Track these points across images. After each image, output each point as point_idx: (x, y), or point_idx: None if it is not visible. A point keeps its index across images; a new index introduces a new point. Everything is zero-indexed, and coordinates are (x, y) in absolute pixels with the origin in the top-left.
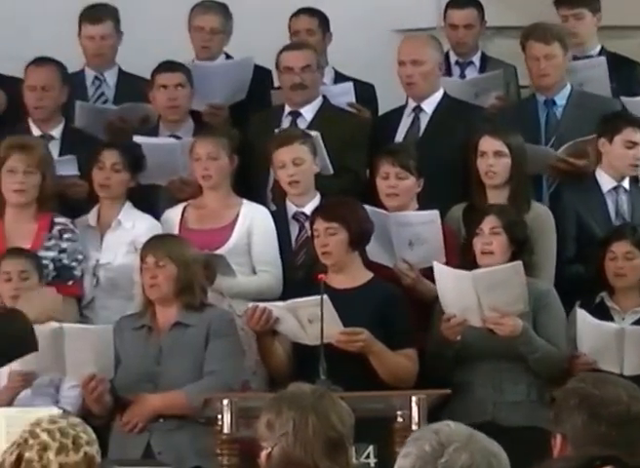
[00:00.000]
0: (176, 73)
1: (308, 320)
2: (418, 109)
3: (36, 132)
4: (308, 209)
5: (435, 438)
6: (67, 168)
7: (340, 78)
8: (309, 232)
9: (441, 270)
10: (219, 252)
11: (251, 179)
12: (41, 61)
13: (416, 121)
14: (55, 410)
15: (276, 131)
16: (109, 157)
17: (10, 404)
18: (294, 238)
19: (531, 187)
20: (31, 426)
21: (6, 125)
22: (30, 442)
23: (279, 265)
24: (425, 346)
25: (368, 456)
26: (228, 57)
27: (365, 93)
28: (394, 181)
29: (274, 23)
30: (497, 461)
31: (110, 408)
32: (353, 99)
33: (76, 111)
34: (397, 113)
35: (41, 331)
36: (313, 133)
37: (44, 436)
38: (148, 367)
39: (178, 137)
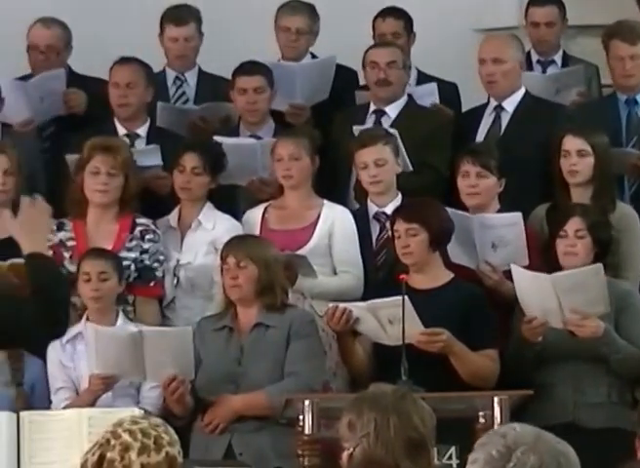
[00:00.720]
0: (255, 77)
1: (388, 320)
2: (499, 108)
3: (122, 131)
4: (389, 209)
5: (502, 442)
6: (151, 158)
7: (422, 78)
8: (390, 232)
9: (519, 273)
10: (300, 252)
11: (333, 178)
12: (125, 60)
13: (497, 120)
14: (136, 411)
15: (355, 128)
16: (189, 160)
17: (92, 405)
18: (374, 238)
19: (615, 187)
20: (113, 427)
21: (88, 126)
22: (112, 442)
23: (360, 266)
24: (506, 347)
25: (450, 458)
26: (314, 57)
27: (448, 92)
28: (474, 180)
29: (362, 23)
30: (565, 460)
31: (191, 408)
32: (437, 100)
33: (157, 111)
34: (478, 112)
35: (120, 335)
36: (391, 130)
37: (126, 436)
38: (229, 367)
39: (258, 138)
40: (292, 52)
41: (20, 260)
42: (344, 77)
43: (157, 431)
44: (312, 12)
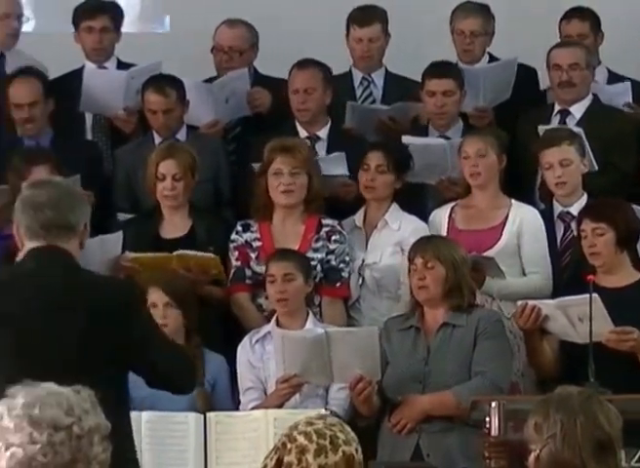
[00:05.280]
0: (445, 80)
1: (579, 318)
2: None
3: (303, 133)
4: (574, 209)
5: None
6: (337, 167)
7: (613, 77)
8: (575, 232)
9: None
10: (489, 253)
11: (518, 178)
12: (304, 64)
13: None
14: (323, 412)
15: (540, 127)
16: (374, 158)
17: (280, 407)
18: (559, 238)
19: None
20: (289, 430)
21: (271, 128)
22: (289, 446)
23: (549, 266)
24: None
25: (638, 461)
26: (492, 58)
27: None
28: None
29: (545, 23)
30: None
31: (378, 409)
32: (630, 99)
33: (347, 111)
34: None
35: (306, 338)
36: (575, 129)
37: (301, 439)
38: (417, 367)
39: (447, 138)
40: (467, 54)
41: (187, 252)
42: (525, 76)
43: (332, 431)
44: (486, 13)
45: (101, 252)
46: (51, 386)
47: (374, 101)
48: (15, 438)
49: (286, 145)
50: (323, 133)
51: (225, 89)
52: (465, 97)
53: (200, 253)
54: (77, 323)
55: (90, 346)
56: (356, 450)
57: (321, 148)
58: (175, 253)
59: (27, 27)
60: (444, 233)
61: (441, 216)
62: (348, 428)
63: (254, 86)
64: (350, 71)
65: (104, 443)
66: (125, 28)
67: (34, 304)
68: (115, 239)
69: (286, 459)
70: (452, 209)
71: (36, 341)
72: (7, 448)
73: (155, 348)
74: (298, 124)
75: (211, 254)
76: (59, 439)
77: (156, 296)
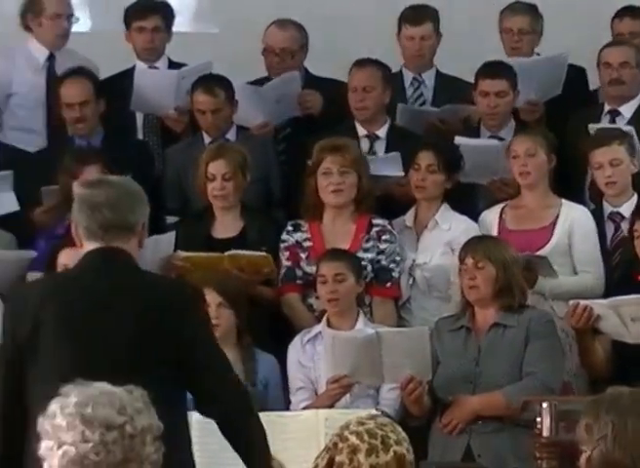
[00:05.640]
0: (498, 80)
1: (631, 318)
2: None
3: (362, 132)
4: (624, 209)
5: None
6: (392, 168)
7: None
8: (625, 232)
9: None
10: (540, 252)
11: (568, 178)
12: (363, 63)
13: None
14: (373, 412)
15: (590, 126)
16: (425, 158)
17: (330, 407)
18: (609, 238)
19: None
20: (340, 429)
21: (324, 127)
22: (340, 445)
23: (601, 265)
24: None
25: None
26: None
27: None
28: None
29: (590, 23)
30: None
31: (429, 409)
32: None
33: (397, 113)
34: None
35: (357, 339)
36: (625, 128)
37: (353, 438)
38: (467, 368)
39: (499, 138)
40: (515, 52)
41: (239, 251)
42: (574, 75)
43: (384, 431)
44: (534, 12)
45: (154, 251)
46: (104, 385)
47: (424, 102)
48: (67, 436)
49: (335, 145)
50: (382, 132)
51: (276, 91)
52: (518, 96)
53: (252, 253)
54: (126, 323)
55: (140, 346)
56: (407, 450)
57: (380, 147)
58: (227, 254)
59: (79, 27)
60: (494, 233)
61: (491, 217)
62: (399, 428)
63: (305, 87)
64: (401, 72)
65: (157, 443)
66: (176, 28)
67: (81, 306)
68: (168, 239)
69: (337, 459)
70: (502, 209)
71: (85, 342)
72: (59, 447)
73: (205, 353)
74: (357, 123)
75: (263, 253)
76: (111, 438)
77: (209, 297)
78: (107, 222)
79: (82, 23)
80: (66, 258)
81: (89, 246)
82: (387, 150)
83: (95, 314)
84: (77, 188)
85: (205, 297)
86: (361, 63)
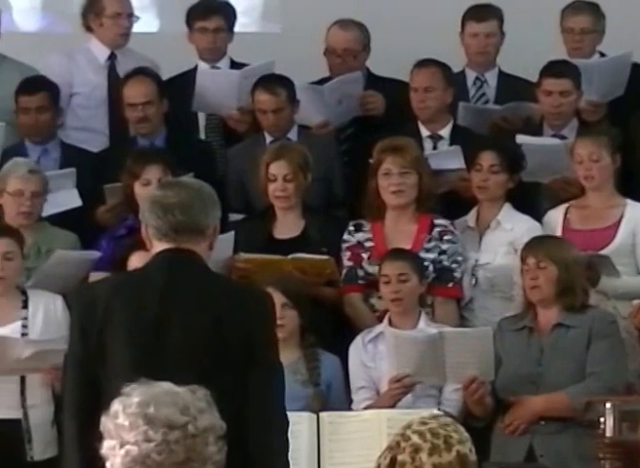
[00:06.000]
0: (562, 80)
1: None
2: None
3: (425, 132)
4: None
5: None
6: (453, 161)
7: None
8: None
9: None
10: (603, 252)
11: (631, 178)
12: (424, 63)
13: None
14: (435, 412)
15: None
16: (487, 158)
17: (392, 407)
18: None
19: None
20: (402, 429)
21: (386, 127)
22: (402, 445)
23: None
24: None
25: None
26: (603, 56)
27: None
28: None
29: None
30: None
31: (492, 410)
32: None
33: (459, 111)
34: None
35: (420, 338)
36: None
37: (415, 438)
38: (530, 368)
39: (561, 137)
40: (577, 52)
41: (301, 255)
42: (637, 74)
43: (446, 430)
44: (596, 11)
45: (214, 252)
46: (166, 385)
47: (487, 101)
48: (129, 436)
49: (395, 145)
50: (445, 132)
51: (338, 91)
52: (582, 96)
53: (313, 256)
54: (195, 325)
55: (207, 349)
56: (470, 450)
57: (443, 147)
58: (289, 257)
59: (145, 28)
60: (559, 233)
61: (556, 217)
62: (462, 428)
63: (367, 87)
64: (463, 71)
65: (220, 443)
66: (238, 28)
67: (150, 305)
68: (228, 239)
69: (400, 458)
70: (567, 209)
71: (152, 342)
72: (122, 446)
73: (262, 374)
74: (420, 123)
75: (325, 256)
76: (173, 437)
77: (273, 297)
78: (179, 224)
79: (148, 24)
80: (138, 261)
81: (159, 247)
82: None
83: (163, 314)
84: (154, 189)
85: (275, 307)
86: (422, 64)
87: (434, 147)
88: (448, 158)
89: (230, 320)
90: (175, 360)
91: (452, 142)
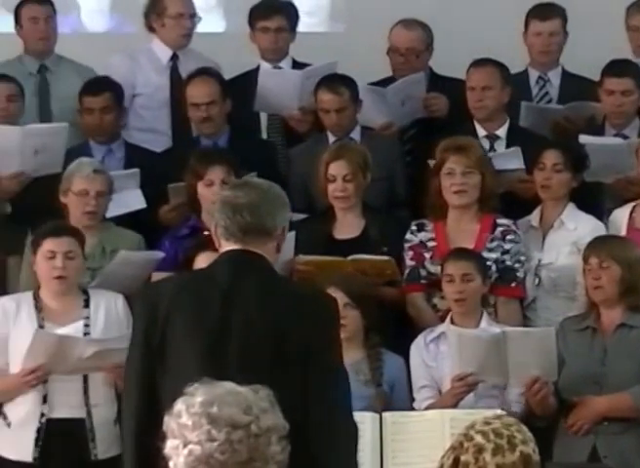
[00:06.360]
0: (624, 79)
1: None
2: None
3: (481, 132)
4: None
5: None
6: (512, 162)
7: None
8: None
9: None
10: None
11: None
12: (481, 62)
13: None
14: (498, 412)
15: None
16: (550, 157)
17: (454, 406)
18: None
19: None
20: (466, 429)
21: (448, 128)
22: (465, 445)
23: None
24: None
25: None
26: None
27: None
28: None
29: None
30: None
31: (555, 410)
32: None
33: (521, 111)
34: None
35: (483, 338)
36: None
37: (478, 438)
38: (593, 368)
39: (624, 136)
40: None
41: (362, 256)
42: None
43: (510, 430)
44: None
45: None
46: (229, 385)
47: (550, 101)
48: (193, 435)
49: (458, 145)
50: (502, 131)
51: (401, 92)
52: None
53: (374, 257)
54: (259, 326)
55: (270, 350)
56: (533, 451)
57: (500, 147)
58: (349, 258)
59: (205, 27)
60: (624, 232)
61: (622, 216)
62: (525, 428)
63: (429, 86)
64: (526, 71)
65: (282, 442)
66: (301, 28)
67: (214, 304)
68: (289, 240)
69: (463, 458)
70: (633, 208)
71: (216, 342)
72: (185, 446)
73: (323, 376)
74: (476, 123)
75: (385, 257)
76: (237, 437)
77: (336, 297)
78: (247, 225)
79: (212, 24)
80: (204, 262)
81: (226, 247)
82: None
83: (225, 315)
84: (225, 189)
85: (339, 311)
86: (479, 63)
87: (491, 147)
88: (507, 158)
89: (292, 324)
90: (236, 361)
91: (509, 142)
